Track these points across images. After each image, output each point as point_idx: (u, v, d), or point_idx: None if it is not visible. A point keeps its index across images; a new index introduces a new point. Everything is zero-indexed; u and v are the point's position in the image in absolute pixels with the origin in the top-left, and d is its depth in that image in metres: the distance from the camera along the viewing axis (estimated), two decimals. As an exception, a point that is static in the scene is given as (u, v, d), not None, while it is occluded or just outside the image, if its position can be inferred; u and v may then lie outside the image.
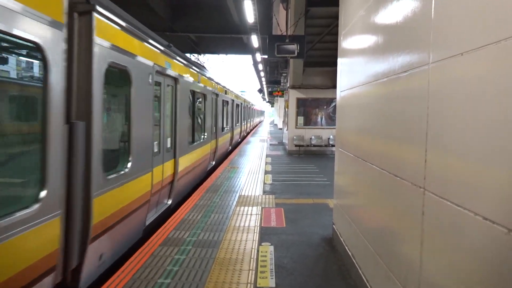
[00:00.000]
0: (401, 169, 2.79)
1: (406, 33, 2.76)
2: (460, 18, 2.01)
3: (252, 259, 4.48)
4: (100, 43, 3.84)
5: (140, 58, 5.05)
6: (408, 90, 2.70)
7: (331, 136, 16.09)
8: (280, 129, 37.12)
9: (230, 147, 17.15)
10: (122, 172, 4.53)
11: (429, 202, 2.30)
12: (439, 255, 2.18)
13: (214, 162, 12.38)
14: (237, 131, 19.79)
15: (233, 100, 17.69)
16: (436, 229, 2.22)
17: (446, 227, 2.10)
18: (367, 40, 3.88)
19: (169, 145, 6.75)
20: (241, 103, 22.34)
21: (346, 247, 4.52)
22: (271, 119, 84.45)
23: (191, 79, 8.26)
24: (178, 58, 7.14)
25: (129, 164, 4.71)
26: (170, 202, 6.84)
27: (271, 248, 4.94)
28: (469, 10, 1.94)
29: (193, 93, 8.69)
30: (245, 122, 26.62)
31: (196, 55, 22.66)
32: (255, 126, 45.97)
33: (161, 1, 14.60)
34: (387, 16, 3.19)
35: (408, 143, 2.68)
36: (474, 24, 1.88)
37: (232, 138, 17.63)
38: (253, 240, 5.15)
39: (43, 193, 3.11)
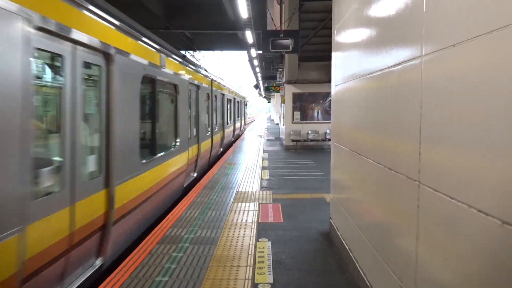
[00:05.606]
0: (396, 162, 2.79)
1: (398, 25, 2.74)
2: (451, 9, 1.99)
3: (249, 255, 4.48)
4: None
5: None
6: (401, 84, 2.69)
7: (328, 131, 16.06)
8: (277, 124, 37.08)
9: (233, 139, 20.21)
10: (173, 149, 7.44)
11: (424, 195, 2.29)
12: (434, 248, 2.18)
13: (222, 149, 15.31)
14: (237, 124, 22.93)
15: (234, 98, 20.47)
16: (431, 223, 2.22)
17: (440, 220, 2.10)
18: (360, 33, 3.86)
19: (194, 134, 9.60)
20: (241, 100, 25.46)
21: (343, 241, 4.52)
22: (267, 115, 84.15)
23: (206, 85, 11.41)
24: (203, 72, 11.03)
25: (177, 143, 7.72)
26: (195, 174, 9.60)
27: (269, 243, 4.94)
28: (460, 0, 1.92)
29: (208, 95, 11.70)
30: (244, 117, 30.46)
31: (191, 52, 22.55)
32: (250, 122, 46.34)
33: (156, 0, 14.49)
34: (379, 8, 3.18)
35: (402, 137, 2.67)
36: (465, 15, 1.86)
37: (234, 130, 20.57)
38: (251, 236, 5.15)
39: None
